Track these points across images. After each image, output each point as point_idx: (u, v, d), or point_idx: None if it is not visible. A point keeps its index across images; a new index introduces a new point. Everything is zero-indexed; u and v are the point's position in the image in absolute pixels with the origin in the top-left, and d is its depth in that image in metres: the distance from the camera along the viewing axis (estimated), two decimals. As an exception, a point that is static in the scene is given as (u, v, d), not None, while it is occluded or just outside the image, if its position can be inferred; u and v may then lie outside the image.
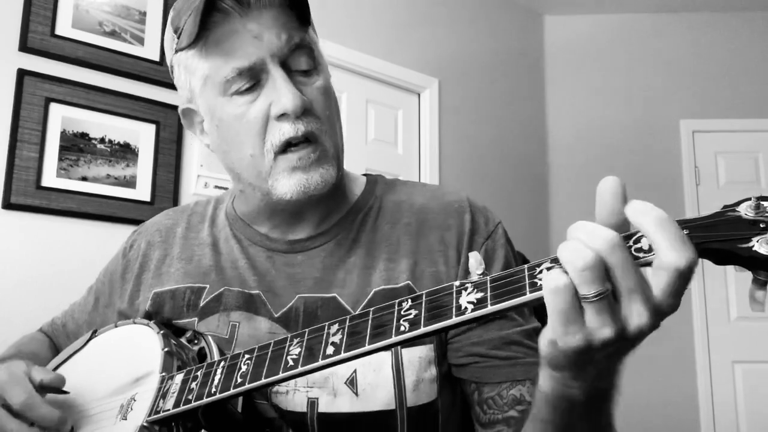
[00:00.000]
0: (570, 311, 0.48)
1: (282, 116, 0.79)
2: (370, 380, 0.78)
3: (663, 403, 3.37)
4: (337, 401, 0.78)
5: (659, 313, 0.48)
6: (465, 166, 3.39)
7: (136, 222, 1.09)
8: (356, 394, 0.78)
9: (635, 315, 0.48)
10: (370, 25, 3.14)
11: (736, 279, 3.56)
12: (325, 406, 0.78)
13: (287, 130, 0.78)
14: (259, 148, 0.80)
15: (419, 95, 3.32)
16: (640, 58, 3.85)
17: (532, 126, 3.78)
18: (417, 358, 0.80)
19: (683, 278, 0.47)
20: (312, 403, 0.78)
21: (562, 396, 0.56)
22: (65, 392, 0.80)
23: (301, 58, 0.81)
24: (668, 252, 0.46)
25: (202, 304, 0.88)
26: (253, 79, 0.79)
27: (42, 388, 0.77)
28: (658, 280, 0.47)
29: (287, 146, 0.80)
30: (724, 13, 3.85)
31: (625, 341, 0.49)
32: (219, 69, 0.80)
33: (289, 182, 0.80)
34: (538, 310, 0.98)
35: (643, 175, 3.55)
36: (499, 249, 0.87)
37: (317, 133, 0.80)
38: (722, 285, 3.58)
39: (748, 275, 0.48)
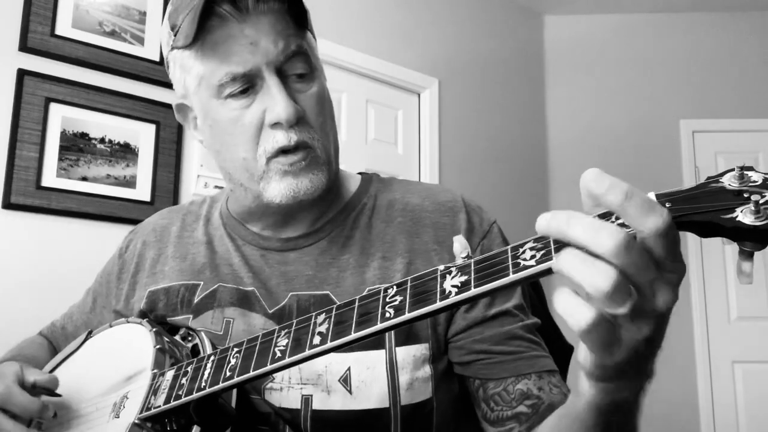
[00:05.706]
0: (609, 336, 0.46)
1: (276, 125, 0.80)
2: (364, 378, 0.78)
3: (663, 403, 3.37)
4: (330, 399, 0.78)
5: (674, 283, 0.47)
6: (465, 166, 3.39)
7: (135, 222, 1.09)
8: (350, 391, 0.78)
9: (662, 300, 0.46)
10: (370, 24, 3.14)
11: (736, 279, 3.55)
12: (318, 404, 0.78)
13: (280, 138, 0.80)
14: (252, 152, 0.82)
15: (419, 95, 3.32)
16: (640, 58, 3.85)
17: (532, 126, 3.78)
18: (411, 357, 0.79)
19: (667, 239, 0.44)
20: (306, 400, 0.78)
21: (611, 402, 0.54)
22: (57, 395, 0.81)
23: (297, 64, 0.82)
24: (643, 220, 0.44)
25: (196, 300, 0.88)
26: (248, 83, 0.80)
27: (34, 389, 0.78)
28: (654, 253, 0.45)
29: (280, 152, 0.81)
30: (724, 13, 3.85)
31: (658, 326, 0.48)
32: (214, 72, 0.80)
33: (279, 186, 0.82)
34: (536, 306, 0.98)
35: (643, 175, 3.55)
36: (495, 248, 0.85)
37: (309, 141, 0.82)
38: (722, 285, 3.58)
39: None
